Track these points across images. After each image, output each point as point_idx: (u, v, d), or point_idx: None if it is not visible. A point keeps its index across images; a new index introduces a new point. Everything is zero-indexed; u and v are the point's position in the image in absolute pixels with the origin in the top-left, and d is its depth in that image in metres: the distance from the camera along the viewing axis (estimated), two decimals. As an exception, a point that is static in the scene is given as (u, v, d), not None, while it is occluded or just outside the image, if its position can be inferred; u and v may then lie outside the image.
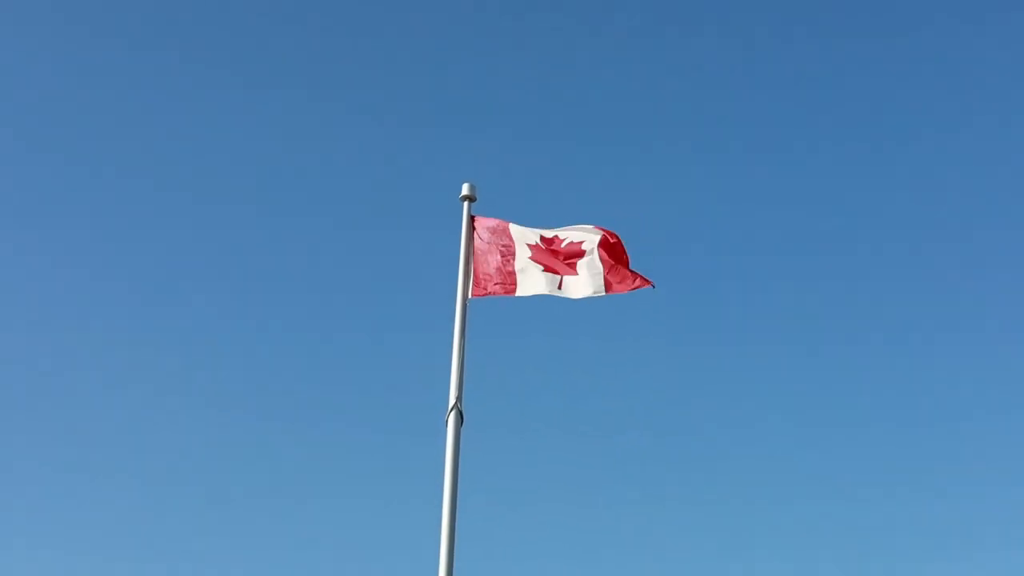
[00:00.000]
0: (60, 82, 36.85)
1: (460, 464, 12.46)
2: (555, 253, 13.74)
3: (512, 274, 13.67)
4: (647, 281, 13.56)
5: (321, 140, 38.20)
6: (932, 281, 37.59)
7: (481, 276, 13.67)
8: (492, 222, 13.95)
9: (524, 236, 13.83)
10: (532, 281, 13.61)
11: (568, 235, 13.80)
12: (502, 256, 13.75)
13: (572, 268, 13.64)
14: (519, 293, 13.64)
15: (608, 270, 13.56)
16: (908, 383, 35.41)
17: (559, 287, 13.58)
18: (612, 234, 13.74)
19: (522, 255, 13.74)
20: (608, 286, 13.52)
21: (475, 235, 13.84)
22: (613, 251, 13.67)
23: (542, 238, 13.82)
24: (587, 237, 13.76)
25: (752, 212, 38.53)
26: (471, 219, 13.90)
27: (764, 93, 39.79)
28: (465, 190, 14.00)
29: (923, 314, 36.74)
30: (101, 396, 32.92)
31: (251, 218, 36.97)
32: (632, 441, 32.50)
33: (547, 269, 13.67)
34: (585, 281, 13.56)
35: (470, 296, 13.56)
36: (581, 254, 13.70)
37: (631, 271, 13.60)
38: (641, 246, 13.91)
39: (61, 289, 35.11)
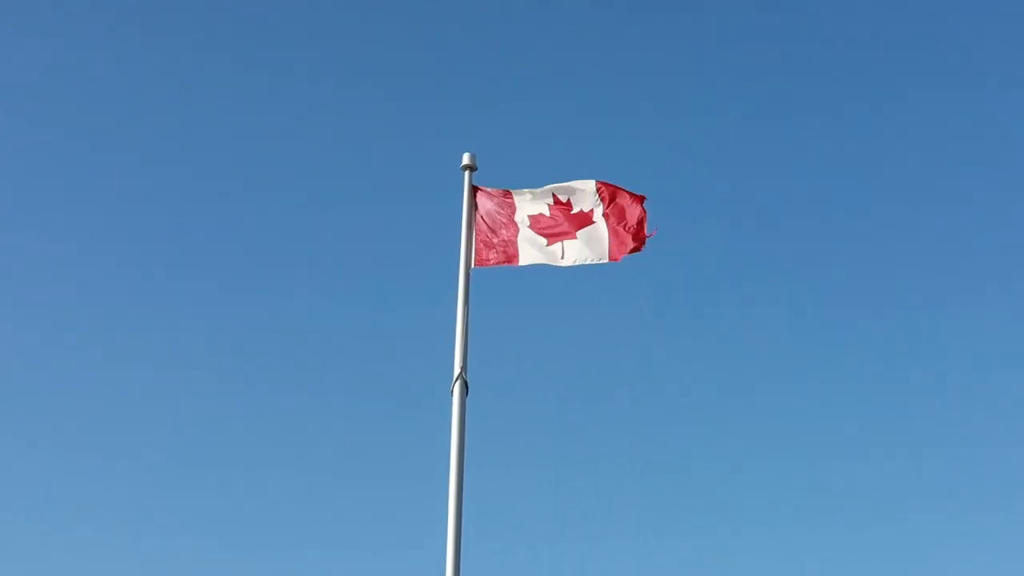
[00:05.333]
0: (59, 76, 36.91)
1: (466, 432, 12.62)
2: (559, 220, 13.83)
3: (514, 243, 13.77)
4: (638, 244, 13.67)
5: (320, 115, 38.20)
6: (930, 245, 37.64)
7: (483, 246, 13.77)
8: (494, 192, 14.03)
9: (525, 205, 13.92)
10: (532, 251, 13.74)
11: (580, 204, 13.88)
12: (503, 226, 13.84)
13: (572, 234, 13.75)
14: (521, 262, 13.76)
15: (612, 235, 13.71)
16: (897, 345, 35.52)
17: (559, 256, 13.70)
18: (633, 199, 13.83)
19: (523, 224, 13.84)
20: (611, 254, 13.67)
21: (477, 205, 13.93)
22: (620, 213, 13.78)
23: (549, 205, 13.92)
24: (596, 207, 13.87)
25: (750, 173, 38.54)
26: (472, 189, 13.99)
27: (756, 56, 39.73)
28: (466, 160, 14.07)
29: (911, 279, 36.82)
30: (103, 378, 33.09)
31: (251, 193, 36.99)
32: (637, 407, 32.61)
33: (551, 241, 13.79)
34: (581, 248, 13.68)
35: (473, 266, 13.66)
36: (589, 222, 13.82)
37: (634, 233, 13.70)
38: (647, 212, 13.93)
39: (65, 277, 35.23)
